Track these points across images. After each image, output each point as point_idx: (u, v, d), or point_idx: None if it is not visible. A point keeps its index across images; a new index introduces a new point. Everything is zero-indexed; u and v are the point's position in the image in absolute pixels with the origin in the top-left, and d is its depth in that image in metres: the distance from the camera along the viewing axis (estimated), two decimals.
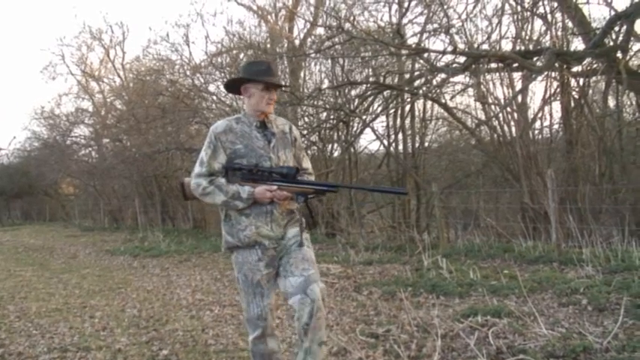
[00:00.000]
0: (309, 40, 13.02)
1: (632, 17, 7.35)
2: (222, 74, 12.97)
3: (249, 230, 3.16)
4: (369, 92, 11.08)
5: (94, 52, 30.84)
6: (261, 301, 3.22)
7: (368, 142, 14.56)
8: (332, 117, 12.03)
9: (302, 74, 13.52)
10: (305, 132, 12.37)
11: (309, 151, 13.50)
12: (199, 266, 9.58)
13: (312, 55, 11.94)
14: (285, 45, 13.31)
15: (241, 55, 13.01)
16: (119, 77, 23.04)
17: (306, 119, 12.88)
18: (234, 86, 3.36)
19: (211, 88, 14.07)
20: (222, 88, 13.62)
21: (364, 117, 12.14)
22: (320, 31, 11.78)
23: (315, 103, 12.12)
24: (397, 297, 5.89)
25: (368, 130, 12.96)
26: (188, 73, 14.36)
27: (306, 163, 3.47)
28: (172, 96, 14.31)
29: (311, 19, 12.57)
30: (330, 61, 11.61)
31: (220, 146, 3.18)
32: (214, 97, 14.13)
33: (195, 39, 45.19)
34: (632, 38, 8.16)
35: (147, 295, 7.41)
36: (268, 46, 12.92)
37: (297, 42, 13.32)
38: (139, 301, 6.98)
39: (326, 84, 12.51)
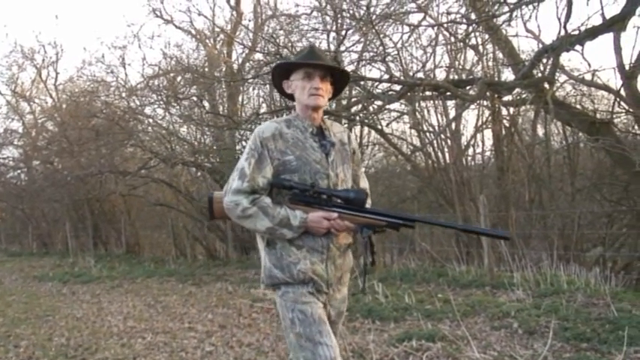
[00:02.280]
0: (247, 64, 13.02)
1: (557, 50, 7.67)
2: (159, 97, 12.82)
3: (303, 264, 2.49)
4: None
5: (25, 71, 29.92)
6: (330, 341, 2.44)
7: None
8: None
9: (240, 99, 13.51)
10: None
11: None
12: (132, 292, 9.34)
13: (251, 80, 11.94)
14: (224, 69, 13.28)
15: (179, 78, 12.91)
16: (51, 98, 22.38)
17: (244, 143, 12.81)
18: (282, 88, 2.70)
19: (147, 110, 13.89)
20: (158, 110, 13.49)
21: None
22: (258, 56, 11.80)
23: (253, 127, 12.08)
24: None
25: None
26: (124, 95, 14.12)
27: (364, 183, 2.81)
28: (107, 118, 14.01)
29: (249, 44, 12.60)
30: (268, 85, 11.64)
31: (267, 155, 2.49)
32: (150, 120, 13.94)
33: (132, 61, 44.48)
34: (557, 70, 8.52)
35: (76, 322, 7.17)
36: (206, 69, 12.86)
37: (235, 66, 13.31)
38: (67, 329, 6.75)
39: (264, 109, 12.52)
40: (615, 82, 8.88)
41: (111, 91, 14.64)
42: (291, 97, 2.67)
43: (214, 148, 13.22)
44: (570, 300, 5.79)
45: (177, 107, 13.14)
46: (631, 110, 8.71)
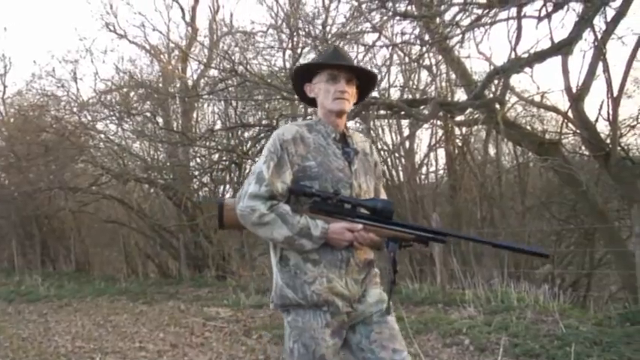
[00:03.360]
0: (202, 81, 12.97)
1: (508, 72, 7.85)
2: (112, 112, 12.63)
3: (319, 284, 2.27)
4: (262, 134, 11.13)
5: None
6: None
7: None
8: (224, 158, 11.96)
9: (194, 115, 13.42)
10: (197, 173, 12.22)
11: (200, 192, 13.35)
12: (81, 311, 9.11)
13: (205, 97, 11.90)
14: (178, 85, 13.18)
15: (132, 94, 12.75)
16: None
17: (198, 160, 12.73)
18: (304, 92, 2.50)
19: (99, 126, 13.65)
20: (110, 126, 13.29)
21: (256, 159, 12.13)
22: (214, 72, 11.77)
23: (208, 144, 12.02)
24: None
25: None
26: (75, 109, 13.85)
27: (384, 198, 2.56)
28: (57, 133, 13.71)
29: (205, 60, 12.55)
30: (223, 102, 11.60)
31: (287, 160, 2.28)
32: (102, 136, 13.70)
33: (84, 75, 43.67)
34: (508, 91, 8.72)
35: (21, 343, 6.94)
36: (160, 85, 12.74)
37: (190, 82, 13.23)
38: (12, 350, 6.53)
39: (219, 125, 12.47)
40: (563, 103, 9.13)
41: (61, 106, 14.33)
42: (312, 103, 2.50)
43: (168, 164, 13.07)
44: (520, 317, 5.88)
45: (130, 123, 12.98)
46: (578, 131, 8.97)
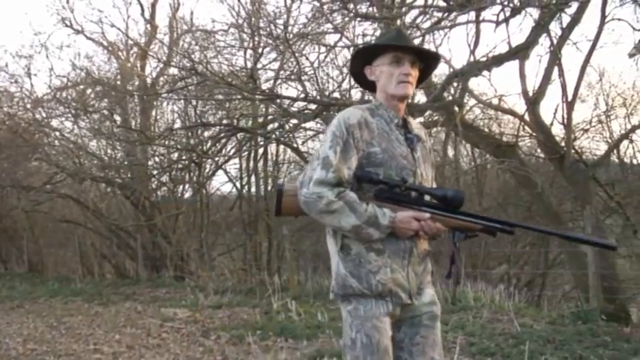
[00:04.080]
0: (161, 79, 12.81)
1: (467, 75, 7.98)
2: (67, 109, 12.38)
3: (383, 273, 2.18)
4: (222, 134, 11.06)
5: None
6: None
7: (220, 184, 14.54)
8: (184, 158, 11.84)
9: (153, 113, 13.25)
10: (155, 172, 12.07)
11: (158, 192, 13.19)
12: (33, 313, 8.89)
13: (165, 95, 11.76)
14: (137, 83, 13.00)
15: (89, 91, 12.52)
16: None
17: (157, 159, 12.58)
18: (361, 76, 2.40)
19: (54, 123, 13.37)
20: (66, 123, 13.03)
21: (217, 159, 12.08)
22: (173, 71, 11.64)
23: (167, 143, 11.89)
24: (245, 341, 5.81)
25: (221, 172, 12.92)
26: (29, 106, 13.54)
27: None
28: (9, 130, 13.37)
29: (164, 58, 12.40)
30: (182, 101, 11.49)
31: (353, 145, 2.19)
32: (57, 133, 13.41)
33: (38, 71, 42.62)
34: (467, 94, 8.86)
35: None
36: (118, 82, 12.55)
37: (149, 80, 13.05)
38: None
39: (178, 124, 12.34)
40: (520, 107, 9.33)
41: (14, 102, 13.99)
42: (370, 87, 2.39)
43: (125, 163, 12.88)
44: (477, 316, 5.97)
45: (87, 120, 12.74)
46: (534, 134, 9.15)
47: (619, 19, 8.30)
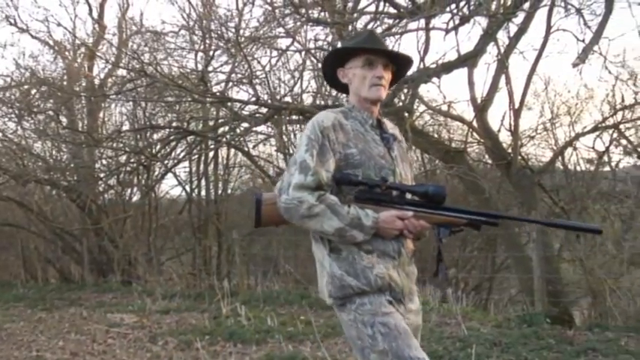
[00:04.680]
0: (110, 80, 12.57)
1: (416, 82, 8.08)
2: (11, 110, 12.02)
3: (379, 268, 2.15)
4: (172, 137, 10.92)
5: None
6: (422, 355, 2.13)
7: (170, 188, 14.36)
8: (132, 160, 11.64)
9: (101, 115, 12.99)
10: (102, 175, 11.83)
11: (106, 195, 12.94)
12: None
13: (113, 97, 11.54)
14: (84, 84, 12.71)
15: (33, 91, 12.18)
16: None
17: (104, 162, 12.32)
18: (334, 78, 2.37)
19: None
20: (9, 124, 12.64)
21: (166, 162, 11.91)
22: (122, 72, 11.43)
23: (115, 145, 11.66)
24: (194, 346, 5.74)
25: (170, 175, 12.76)
26: None
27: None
28: None
29: (113, 59, 12.17)
30: (131, 103, 11.30)
31: (329, 147, 2.16)
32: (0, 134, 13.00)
33: None
34: (416, 100, 8.97)
35: None
36: (65, 83, 12.24)
37: (96, 82, 12.79)
38: None
39: (127, 126, 12.13)
40: (469, 113, 9.48)
41: None
42: (343, 89, 2.37)
43: (71, 165, 12.57)
44: (425, 320, 6.00)
45: (31, 121, 12.37)
46: (482, 141, 9.32)
47: (564, 30, 8.51)
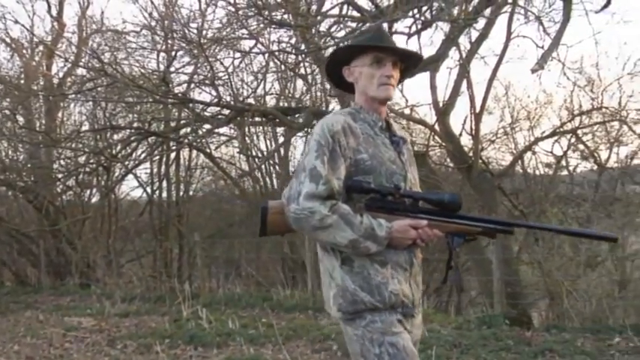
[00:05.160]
0: (69, 79, 12.34)
1: None
2: None
3: (393, 284, 2.05)
4: (132, 138, 10.77)
5: None
6: None
7: (130, 189, 14.13)
8: (91, 161, 11.45)
9: (60, 115, 12.73)
10: (60, 176, 11.60)
11: (64, 196, 12.70)
12: None
13: (72, 96, 11.33)
14: (42, 82, 12.46)
15: None
16: None
17: (63, 162, 12.09)
18: (338, 77, 2.26)
19: None
20: None
21: (127, 163, 11.74)
22: (82, 71, 11.24)
23: (73, 145, 11.45)
24: (153, 350, 5.67)
25: (130, 176, 12.58)
26: None
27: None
28: None
29: (72, 58, 11.95)
30: (91, 103, 11.11)
31: (340, 153, 2.03)
32: None
33: None
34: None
35: None
36: (22, 82, 11.98)
37: (55, 80, 12.54)
38: None
39: (86, 126, 11.92)
40: (431, 117, 9.57)
41: None
42: (346, 88, 2.25)
43: (28, 166, 12.30)
44: None
45: None
46: (444, 144, 9.41)
47: (524, 36, 8.68)
